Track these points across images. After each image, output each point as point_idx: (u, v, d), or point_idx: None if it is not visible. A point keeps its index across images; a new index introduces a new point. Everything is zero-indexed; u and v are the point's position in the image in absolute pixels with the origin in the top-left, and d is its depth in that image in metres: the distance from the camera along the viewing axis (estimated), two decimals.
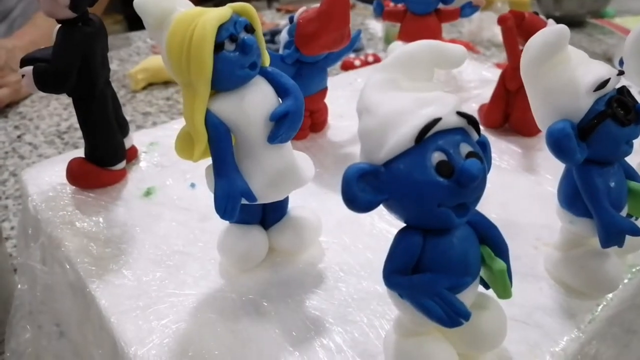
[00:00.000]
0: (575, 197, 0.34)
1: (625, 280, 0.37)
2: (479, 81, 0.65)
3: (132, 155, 0.49)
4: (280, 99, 0.34)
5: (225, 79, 0.31)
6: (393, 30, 1.01)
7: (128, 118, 0.49)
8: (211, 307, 0.35)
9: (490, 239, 0.29)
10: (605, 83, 0.32)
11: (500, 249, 0.29)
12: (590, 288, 0.35)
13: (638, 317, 0.41)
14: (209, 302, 0.35)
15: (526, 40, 0.56)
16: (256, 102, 0.32)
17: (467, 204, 0.26)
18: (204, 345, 0.32)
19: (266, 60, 0.35)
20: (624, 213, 0.35)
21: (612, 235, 0.33)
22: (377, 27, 1.20)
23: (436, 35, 0.69)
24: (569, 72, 0.33)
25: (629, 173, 0.36)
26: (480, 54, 1.04)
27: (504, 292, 0.29)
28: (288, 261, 0.39)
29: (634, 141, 0.34)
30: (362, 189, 0.25)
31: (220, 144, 0.32)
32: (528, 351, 0.32)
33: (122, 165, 0.46)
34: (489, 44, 1.08)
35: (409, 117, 0.25)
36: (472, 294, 0.28)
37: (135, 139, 0.51)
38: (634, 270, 0.38)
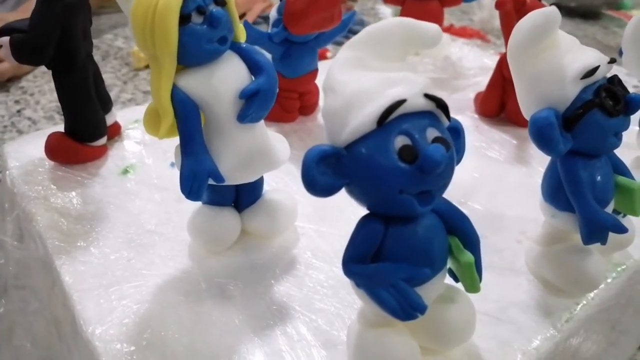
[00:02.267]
0: (559, 189, 0.33)
1: (609, 280, 0.36)
2: (479, 69, 0.63)
3: (114, 132, 0.48)
4: (253, 77, 0.32)
5: (192, 53, 0.30)
6: None
7: (128, 96, 0.48)
8: (176, 288, 0.34)
9: (460, 230, 0.27)
10: (593, 71, 0.30)
11: (471, 241, 0.28)
12: (570, 286, 0.34)
13: (624, 316, 0.39)
14: (174, 283, 0.34)
15: None
16: (226, 78, 0.31)
17: (432, 192, 0.25)
18: (164, 327, 0.31)
19: (241, 35, 0.33)
20: (609, 208, 0.33)
21: (594, 231, 0.32)
22: (386, 11, 1.17)
23: (438, 19, 0.66)
24: (556, 58, 0.31)
25: (618, 167, 0.34)
26: (491, 43, 1.01)
27: (472, 285, 0.27)
28: (261, 245, 0.38)
29: (627, 136, 0.32)
30: (323, 172, 0.24)
31: (187, 121, 0.31)
32: (498, 348, 0.31)
33: (102, 141, 0.46)
34: (500, 33, 1.05)
35: (373, 97, 0.24)
36: (437, 286, 0.27)
37: (122, 116, 0.50)
38: (619, 269, 0.36)
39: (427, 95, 0.24)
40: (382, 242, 0.25)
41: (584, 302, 0.34)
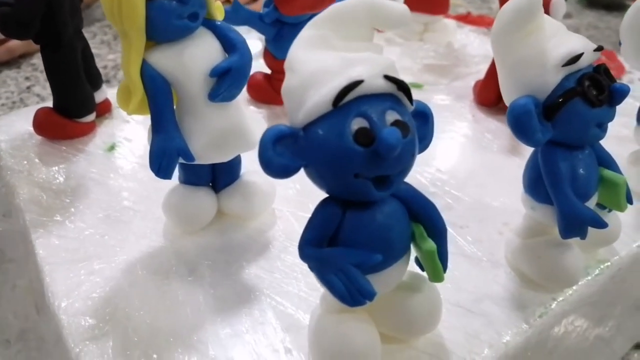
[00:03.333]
0: (538, 181, 0.32)
1: (590, 276, 0.34)
2: (483, 56, 0.61)
3: (104, 109, 0.48)
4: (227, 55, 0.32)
5: (161, 29, 0.29)
6: None
7: None
8: (146, 266, 0.34)
9: (425, 218, 0.27)
10: (576, 58, 0.29)
11: (436, 229, 0.27)
12: (547, 280, 0.33)
13: (612, 313, 0.38)
14: (145, 261, 0.34)
15: None
16: (197, 55, 0.31)
17: (390, 177, 0.24)
18: (129, 303, 0.31)
19: (217, 12, 0.33)
20: (592, 202, 0.32)
21: (572, 225, 0.31)
22: None
23: (443, 4, 0.65)
24: (539, 43, 0.30)
25: (603, 159, 0.33)
26: None
27: (434, 274, 0.27)
28: (236, 226, 0.37)
29: (626, 129, 0.31)
30: (280, 152, 0.24)
31: (157, 97, 0.31)
32: (465, 340, 0.30)
33: (90, 118, 0.46)
34: None
35: (330, 77, 0.23)
36: (396, 274, 0.26)
37: (113, 93, 0.50)
38: (602, 266, 0.35)
39: (387, 77, 0.23)
40: (340, 226, 0.25)
41: (562, 297, 0.33)
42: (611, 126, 0.51)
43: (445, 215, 0.38)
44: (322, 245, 0.25)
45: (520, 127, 0.29)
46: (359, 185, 0.23)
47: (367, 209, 0.25)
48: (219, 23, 0.32)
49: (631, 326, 0.41)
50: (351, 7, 0.25)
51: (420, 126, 0.26)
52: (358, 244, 0.24)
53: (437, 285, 0.33)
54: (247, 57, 0.31)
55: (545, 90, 0.30)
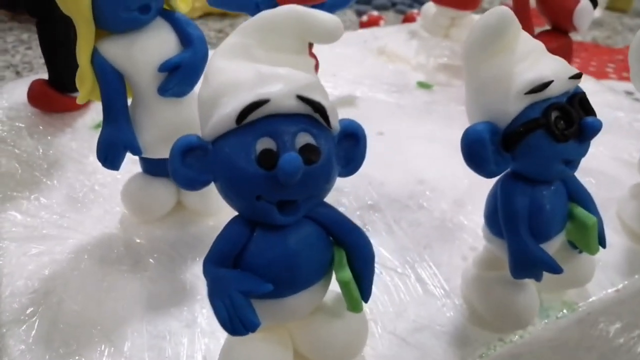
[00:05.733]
0: (495, 212, 0.29)
1: (547, 320, 0.32)
2: None
3: None
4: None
5: (109, 20, 0.29)
6: None
7: None
8: (93, 253, 0.34)
9: (348, 244, 0.25)
10: (542, 86, 0.26)
11: (361, 256, 0.25)
12: (494, 318, 0.31)
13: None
14: (93, 247, 0.34)
15: (550, 18, 0.48)
16: (148, 48, 0.30)
17: (297, 202, 0.23)
18: (66, 289, 0.32)
19: (182, 4, 0.32)
20: (556, 242, 0.30)
21: (522, 266, 0.28)
22: None
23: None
24: (507, 65, 0.27)
25: (577, 195, 0.30)
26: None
27: (351, 305, 0.25)
28: (195, 222, 0.37)
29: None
30: (189, 164, 0.23)
31: (106, 87, 0.30)
32: None
33: None
34: None
35: (238, 92, 0.22)
36: (307, 300, 0.25)
37: None
38: (564, 310, 0.32)
39: (300, 97, 0.22)
40: (245, 246, 0.24)
41: (510, 339, 0.31)
42: (620, 150, 0.47)
43: (409, 233, 0.36)
44: (227, 263, 0.24)
45: (472, 155, 0.27)
46: (261, 207, 0.22)
47: (277, 232, 0.24)
48: (177, 15, 0.31)
49: None
50: (280, 17, 0.23)
51: (349, 148, 0.24)
52: (260, 268, 0.23)
53: (375, 308, 0.32)
54: (201, 54, 0.30)
55: (506, 118, 0.27)
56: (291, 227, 0.24)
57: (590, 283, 0.33)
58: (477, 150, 0.27)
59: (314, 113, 0.22)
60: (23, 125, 0.44)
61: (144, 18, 0.29)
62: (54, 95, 0.45)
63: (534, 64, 0.27)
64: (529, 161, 0.27)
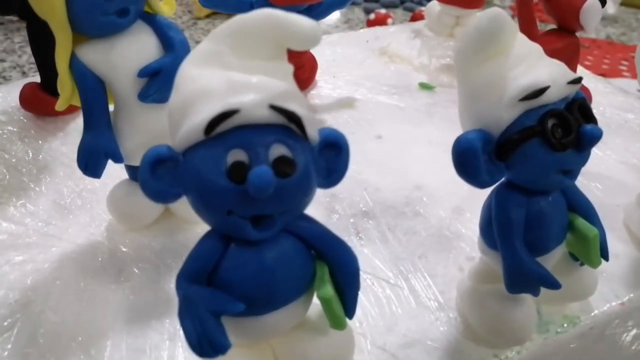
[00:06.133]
0: (490, 224, 0.28)
1: (546, 335, 0.30)
2: None
3: None
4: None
5: (85, 25, 0.28)
6: None
7: None
8: (77, 261, 0.33)
9: (331, 259, 0.24)
10: (538, 92, 0.25)
11: (344, 271, 0.24)
12: (488, 333, 0.29)
13: None
14: (77, 255, 0.34)
15: (556, 17, 0.46)
16: (128, 53, 0.29)
17: (273, 217, 0.21)
18: (46, 299, 0.31)
19: (166, 8, 0.31)
20: (554, 255, 0.28)
21: (516, 280, 0.27)
22: None
23: None
24: (501, 70, 0.26)
25: (578, 205, 0.29)
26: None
27: (333, 322, 0.24)
28: (184, 228, 0.36)
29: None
30: (159, 176, 0.22)
31: (86, 94, 0.30)
32: None
33: None
34: None
35: (208, 101, 0.21)
36: (286, 317, 0.24)
37: None
38: (565, 324, 0.31)
39: (274, 107, 0.21)
40: (219, 263, 0.23)
41: (506, 356, 0.29)
42: (630, 155, 0.45)
43: (404, 241, 0.35)
44: (200, 280, 0.23)
45: (463, 165, 0.26)
46: (234, 223, 0.21)
47: (252, 247, 0.22)
48: (158, 18, 0.30)
49: None
50: (255, 22, 0.22)
51: (330, 158, 0.23)
52: (234, 285, 0.22)
53: (365, 322, 0.31)
54: (182, 58, 0.29)
55: (500, 126, 0.25)
56: (267, 242, 0.23)
57: (594, 296, 0.32)
58: (469, 159, 0.25)
59: (289, 123, 0.21)
60: (15, 129, 0.44)
61: (123, 22, 0.28)
62: (45, 99, 0.44)
63: (530, 68, 0.25)
64: (524, 171, 0.26)
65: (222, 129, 0.20)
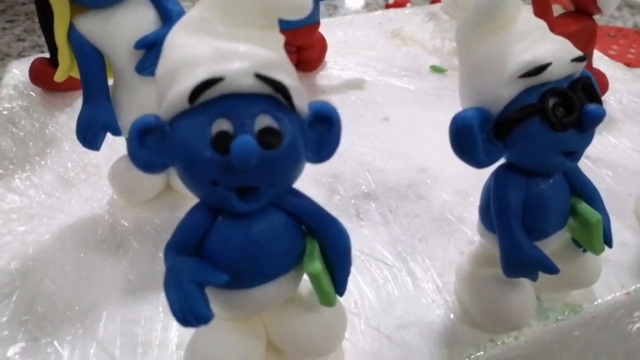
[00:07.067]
0: (489, 206, 0.27)
1: (544, 322, 0.30)
2: None
3: None
4: None
5: None
6: None
7: None
8: (77, 234, 0.33)
9: (322, 235, 0.24)
10: (539, 69, 0.24)
11: (335, 248, 0.24)
12: (484, 318, 0.29)
13: None
14: (78, 228, 0.34)
15: (575, 0, 0.45)
16: (125, 25, 0.29)
17: (259, 189, 0.21)
18: (45, 269, 0.31)
19: None
20: (555, 239, 0.27)
21: (513, 263, 0.26)
22: None
23: None
24: (503, 46, 0.25)
25: (581, 189, 0.28)
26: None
27: (322, 298, 0.24)
28: (185, 204, 0.35)
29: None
30: (148, 146, 0.22)
31: (84, 66, 0.30)
32: None
33: None
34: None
35: (193, 69, 0.20)
36: (275, 292, 0.24)
37: None
38: (566, 312, 0.30)
39: (259, 76, 0.20)
40: (207, 235, 0.22)
41: (502, 341, 0.29)
42: None
43: (405, 224, 0.34)
44: (187, 251, 0.23)
45: (460, 143, 0.25)
46: (219, 194, 0.21)
47: (239, 220, 0.22)
48: None
49: None
50: None
51: (321, 132, 0.23)
52: (220, 258, 0.22)
53: (360, 302, 0.30)
54: None
55: (499, 103, 0.25)
56: (255, 215, 0.22)
57: (598, 285, 0.31)
58: (465, 138, 0.25)
59: (275, 93, 0.21)
60: (24, 104, 0.44)
61: None
62: (54, 74, 0.44)
63: (533, 44, 0.25)
64: (523, 151, 0.25)
65: (207, 98, 0.20)
